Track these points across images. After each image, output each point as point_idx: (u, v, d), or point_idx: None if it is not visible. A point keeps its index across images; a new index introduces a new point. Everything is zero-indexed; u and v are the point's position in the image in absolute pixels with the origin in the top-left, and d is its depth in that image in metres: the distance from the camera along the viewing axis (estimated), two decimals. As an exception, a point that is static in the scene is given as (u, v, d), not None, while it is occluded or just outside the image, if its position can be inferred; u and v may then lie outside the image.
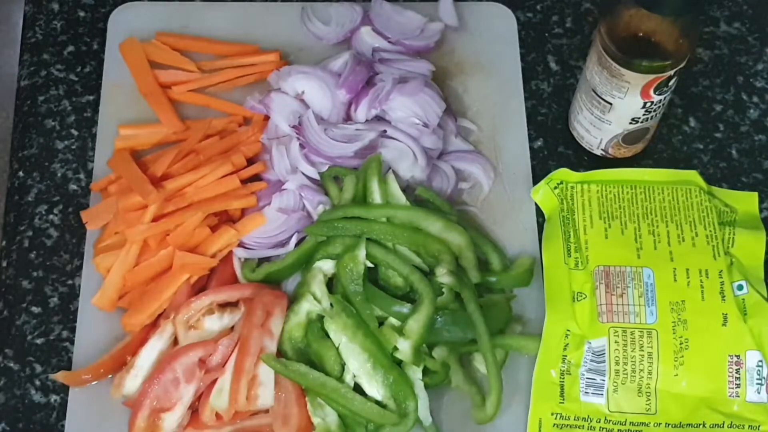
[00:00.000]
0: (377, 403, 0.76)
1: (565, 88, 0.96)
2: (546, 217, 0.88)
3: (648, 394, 0.77)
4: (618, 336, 0.78)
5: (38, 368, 0.81)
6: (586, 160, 0.91)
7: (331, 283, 0.81)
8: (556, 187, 0.87)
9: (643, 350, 0.78)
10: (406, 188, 0.86)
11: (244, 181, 0.86)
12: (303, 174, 0.86)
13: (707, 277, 0.80)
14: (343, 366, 0.78)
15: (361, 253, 0.79)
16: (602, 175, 0.88)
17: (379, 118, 0.89)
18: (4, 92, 0.93)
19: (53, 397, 0.80)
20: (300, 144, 0.86)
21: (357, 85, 0.89)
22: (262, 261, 0.84)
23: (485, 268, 0.84)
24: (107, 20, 0.97)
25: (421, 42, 0.95)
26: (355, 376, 0.77)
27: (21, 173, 0.90)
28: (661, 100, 0.83)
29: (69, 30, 0.98)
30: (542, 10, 1.00)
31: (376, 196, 0.83)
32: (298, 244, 0.84)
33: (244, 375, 0.75)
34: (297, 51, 0.96)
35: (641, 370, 0.77)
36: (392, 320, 0.78)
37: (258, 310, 0.78)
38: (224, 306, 0.79)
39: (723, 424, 0.77)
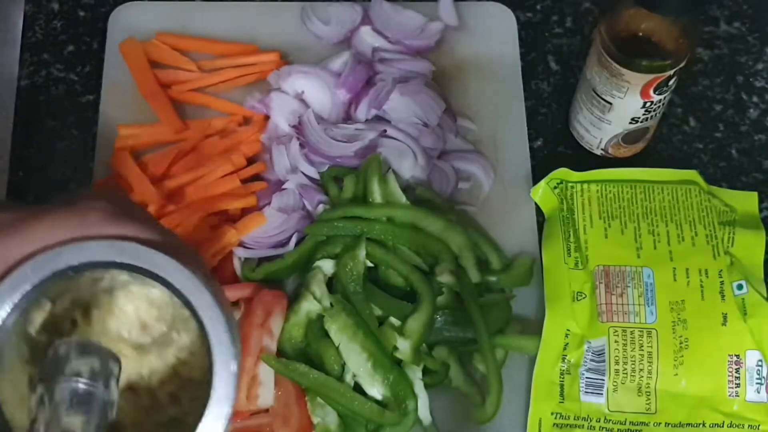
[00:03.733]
0: (377, 402, 0.76)
1: (565, 87, 0.96)
2: (546, 216, 0.88)
3: (648, 393, 0.77)
4: (618, 335, 0.78)
5: (38, 368, 0.81)
6: (586, 160, 0.91)
7: (331, 283, 0.81)
8: (555, 187, 0.87)
9: (642, 350, 0.78)
10: (406, 188, 0.86)
11: (244, 181, 0.86)
12: (303, 174, 0.86)
13: (707, 277, 0.80)
14: (343, 366, 0.77)
15: (361, 252, 0.79)
16: (602, 175, 0.87)
17: (379, 118, 0.89)
18: (4, 92, 0.93)
19: (53, 397, 0.80)
20: (300, 144, 0.86)
21: (357, 85, 0.89)
22: (262, 261, 0.84)
23: (485, 267, 0.84)
24: (107, 20, 0.97)
25: (421, 42, 0.95)
26: (355, 376, 0.77)
27: (21, 173, 0.90)
28: (661, 99, 0.83)
29: (69, 29, 0.98)
30: (542, 9, 1.00)
31: (376, 196, 0.83)
32: (298, 243, 0.84)
33: (244, 375, 0.75)
34: (297, 51, 0.96)
35: (641, 370, 0.77)
36: (392, 320, 0.78)
37: (258, 310, 0.78)
38: (224, 306, 0.79)
39: (723, 423, 0.77)
